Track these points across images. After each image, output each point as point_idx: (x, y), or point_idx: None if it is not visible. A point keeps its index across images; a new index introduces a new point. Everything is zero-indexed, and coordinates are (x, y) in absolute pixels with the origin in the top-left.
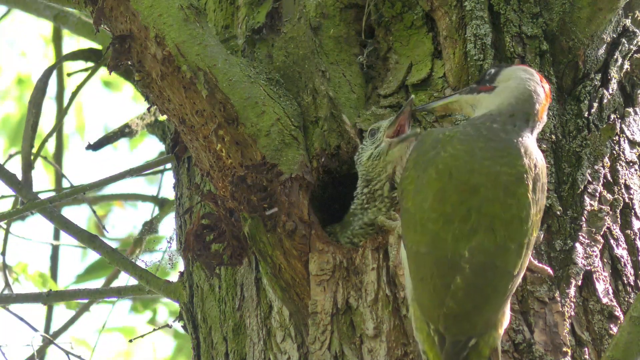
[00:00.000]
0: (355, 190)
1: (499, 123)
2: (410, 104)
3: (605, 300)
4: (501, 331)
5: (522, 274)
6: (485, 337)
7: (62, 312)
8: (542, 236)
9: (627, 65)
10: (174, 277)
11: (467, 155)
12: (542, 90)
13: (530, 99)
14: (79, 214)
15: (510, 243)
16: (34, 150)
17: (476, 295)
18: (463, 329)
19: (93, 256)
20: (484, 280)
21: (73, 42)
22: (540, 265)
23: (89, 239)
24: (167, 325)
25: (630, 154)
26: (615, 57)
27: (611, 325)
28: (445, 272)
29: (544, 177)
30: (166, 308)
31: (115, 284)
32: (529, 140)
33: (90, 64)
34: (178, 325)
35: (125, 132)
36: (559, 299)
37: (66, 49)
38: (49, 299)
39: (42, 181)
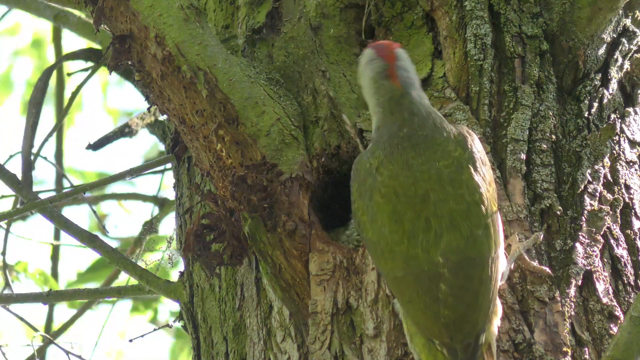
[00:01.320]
0: None
1: (401, 125)
2: None
3: (605, 300)
4: (495, 322)
5: (500, 251)
6: (487, 329)
7: (63, 312)
8: (542, 236)
9: (627, 65)
10: (174, 277)
11: (405, 170)
12: (380, 58)
13: (378, 82)
14: (80, 214)
15: (477, 230)
16: (34, 150)
17: (465, 295)
18: (467, 331)
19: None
20: (466, 276)
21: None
22: (539, 266)
23: (89, 239)
24: (168, 325)
25: (630, 153)
26: (615, 57)
27: (611, 325)
28: (428, 285)
29: (478, 147)
30: (167, 308)
31: (116, 284)
32: (434, 111)
33: (90, 64)
34: (179, 325)
35: (125, 131)
36: (559, 298)
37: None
38: (49, 298)
39: (49, 180)
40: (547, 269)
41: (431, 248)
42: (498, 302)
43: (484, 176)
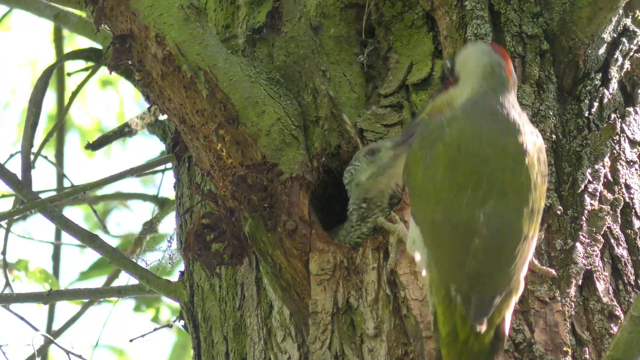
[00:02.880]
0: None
1: (492, 101)
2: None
3: (605, 299)
4: (514, 298)
5: (535, 240)
6: (505, 299)
7: (65, 310)
8: (542, 236)
9: (627, 65)
10: (174, 276)
11: (474, 130)
12: (498, 55)
13: (493, 70)
14: (82, 212)
15: (523, 207)
16: (34, 150)
17: (496, 256)
18: (487, 287)
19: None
20: (502, 242)
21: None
22: (544, 268)
23: (89, 239)
24: (168, 325)
25: (630, 153)
26: (615, 56)
27: (611, 325)
28: (463, 234)
29: (543, 151)
30: (168, 308)
31: (116, 283)
32: (524, 114)
33: (90, 64)
34: (180, 324)
35: (124, 131)
36: (559, 298)
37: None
38: (50, 298)
39: (49, 180)
40: (552, 271)
41: (476, 205)
42: (522, 280)
43: (542, 173)
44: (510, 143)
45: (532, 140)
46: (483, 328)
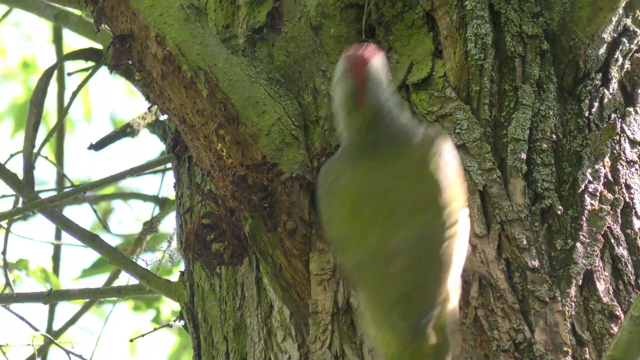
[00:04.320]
0: None
1: (366, 146)
2: None
3: (606, 299)
4: (448, 306)
5: (458, 244)
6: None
7: (65, 309)
8: (542, 235)
9: (627, 65)
10: (174, 276)
11: (364, 174)
12: (349, 80)
13: (348, 111)
14: (82, 213)
15: (434, 220)
16: (35, 150)
17: (414, 275)
18: (414, 309)
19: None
20: (419, 260)
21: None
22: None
23: (89, 239)
24: (168, 325)
25: (630, 153)
26: (615, 56)
27: (612, 325)
28: (378, 269)
29: (444, 149)
30: (168, 308)
31: (116, 283)
32: (406, 131)
33: (91, 64)
34: (180, 324)
35: (127, 131)
36: (559, 298)
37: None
38: (50, 298)
39: (49, 180)
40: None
41: (386, 239)
42: (455, 290)
43: (446, 175)
44: (404, 165)
45: (424, 147)
46: (430, 341)
